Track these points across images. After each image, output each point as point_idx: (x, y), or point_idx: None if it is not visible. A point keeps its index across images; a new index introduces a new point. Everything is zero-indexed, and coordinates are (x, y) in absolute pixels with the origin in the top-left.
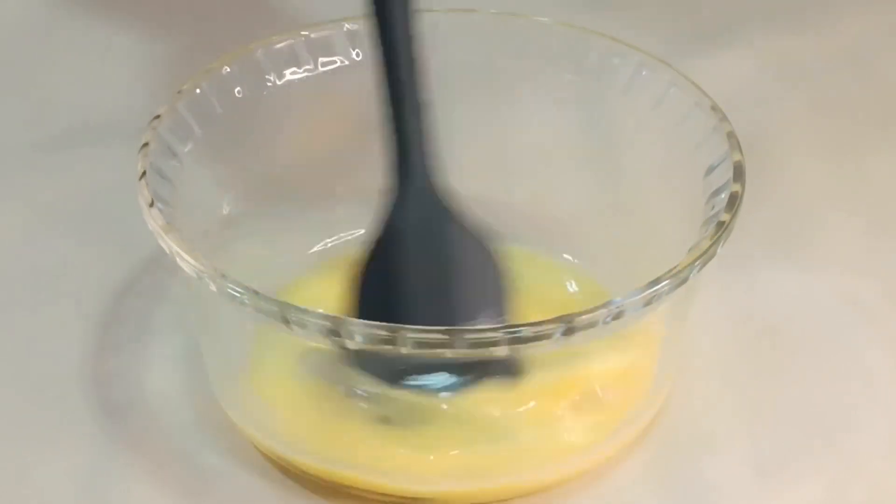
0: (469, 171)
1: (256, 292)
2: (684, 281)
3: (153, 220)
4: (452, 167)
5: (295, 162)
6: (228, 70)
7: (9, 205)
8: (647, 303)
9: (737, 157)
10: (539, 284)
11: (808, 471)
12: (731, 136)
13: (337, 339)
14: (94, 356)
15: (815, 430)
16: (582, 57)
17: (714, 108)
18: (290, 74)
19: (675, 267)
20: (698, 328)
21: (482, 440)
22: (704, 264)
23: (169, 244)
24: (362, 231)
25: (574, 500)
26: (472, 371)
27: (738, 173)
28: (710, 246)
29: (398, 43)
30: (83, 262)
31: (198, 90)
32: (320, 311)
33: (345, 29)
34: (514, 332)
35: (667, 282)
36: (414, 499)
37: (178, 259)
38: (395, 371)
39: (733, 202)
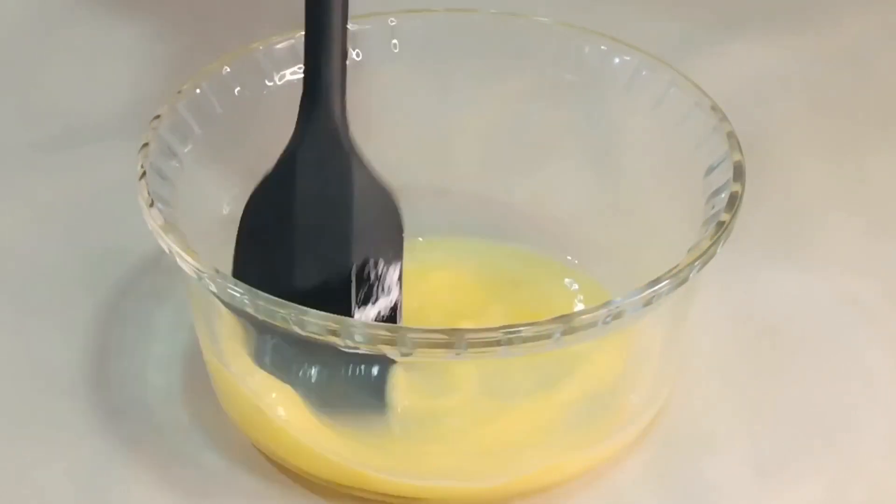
0: (469, 171)
1: (256, 292)
2: (684, 281)
3: (153, 220)
4: (452, 168)
5: None
6: (228, 70)
7: (8, 205)
8: (647, 303)
9: (737, 157)
10: (539, 284)
11: (808, 471)
12: (731, 136)
13: (337, 338)
14: (94, 356)
15: (815, 430)
16: (582, 57)
17: (714, 108)
18: (290, 74)
19: (675, 267)
20: (698, 328)
21: (482, 440)
22: (704, 264)
23: (169, 244)
24: None
25: (574, 500)
26: None
27: (738, 173)
28: (710, 246)
29: None
30: (83, 263)
31: (198, 90)
32: (320, 311)
33: None
34: (514, 332)
35: (667, 282)
36: (414, 499)
37: (178, 259)
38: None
39: (733, 202)
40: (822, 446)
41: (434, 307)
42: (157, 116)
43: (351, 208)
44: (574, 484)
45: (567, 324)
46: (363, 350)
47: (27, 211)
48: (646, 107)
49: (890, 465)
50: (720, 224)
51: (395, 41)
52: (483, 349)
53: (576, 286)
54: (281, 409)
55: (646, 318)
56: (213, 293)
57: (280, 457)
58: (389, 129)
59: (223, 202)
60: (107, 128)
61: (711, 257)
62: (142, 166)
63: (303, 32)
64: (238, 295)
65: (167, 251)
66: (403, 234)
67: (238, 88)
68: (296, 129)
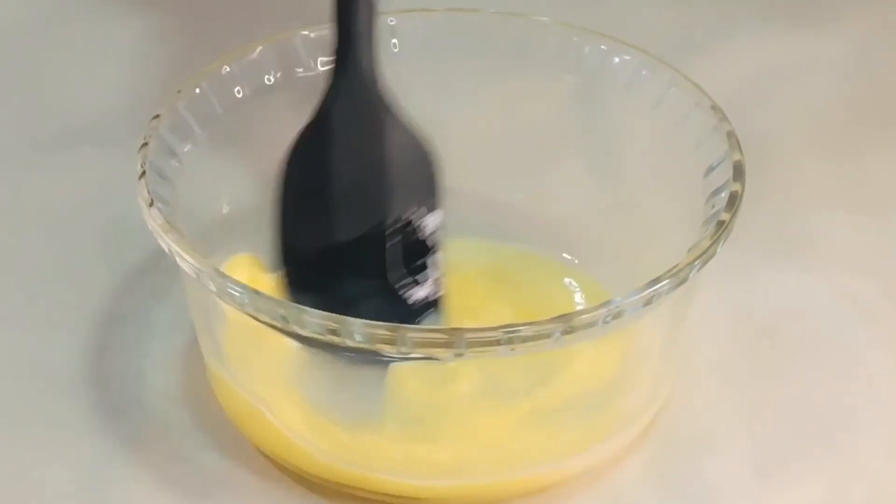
0: (469, 171)
1: (256, 292)
2: (684, 281)
3: (153, 220)
4: (452, 167)
5: None
6: (228, 70)
7: (9, 205)
8: (647, 303)
9: (737, 157)
10: (539, 284)
11: (808, 471)
12: (731, 136)
13: (337, 338)
14: (94, 356)
15: (815, 430)
16: (582, 57)
17: (714, 108)
18: (290, 74)
19: (675, 267)
20: (698, 328)
21: (482, 440)
22: (704, 264)
23: (169, 244)
24: None
25: (574, 500)
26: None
27: (738, 173)
28: (710, 246)
29: None
30: (83, 262)
31: (198, 90)
32: (320, 311)
33: None
34: (515, 332)
35: (667, 282)
36: (414, 499)
37: (178, 259)
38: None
39: (733, 202)
40: (822, 446)
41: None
42: (157, 116)
43: (387, 159)
44: (574, 484)
45: (567, 323)
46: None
47: (27, 210)
48: (646, 107)
49: (890, 465)
50: (720, 224)
51: (394, 41)
52: (483, 349)
53: (576, 286)
54: (281, 408)
55: (646, 317)
56: (213, 293)
57: (280, 457)
58: None
59: (223, 202)
60: (107, 127)
61: (711, 257)
62: (142, 166)
63: (304, 32)
64: (238, 294)
65: (167, 251)
66: (440, 180)
67: (238, 88)
68: (328, 83)
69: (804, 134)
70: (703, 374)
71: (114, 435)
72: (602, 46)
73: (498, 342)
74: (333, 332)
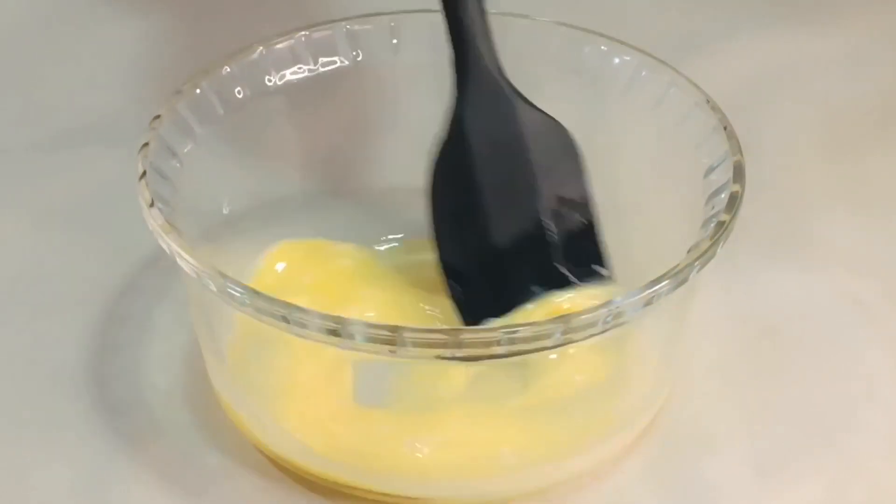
0: None
1: (256, 292)
2: (684, 281)
3: (153, 220)
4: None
5: (295, 162)
6: (228, 70)
7: (9, 205)
8: (647, 303)
9: (737, 157)
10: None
11: (808, 471)
12: (731, 136)
13: (337, 338)
14: (95, 356)
15: (815, 430)
16: (582, 57)
17: (714, 108)
18: (290, 74)
19: (675, 267)
20: (698, 328)
21: (482, 441)
22: (704, 264)
23: (169, 244)
24: (362, 230)
25: (574, 500)
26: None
27: (738, 173)
28: (710, 246)
29: None
30: (83, 263)
31: (198, 90)
32: (320, 311)
33: (345, 29)
34: (514, 332)
35: (667, 282)
36: (414, 499)
37: (178, 259)
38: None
39: (733, 202)
40: (822, 446)
41: (434, 306)
42: (157, 116)
43: (529, 154)
44: (574, 484)
45: (567, 324)
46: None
47: (27, 211)
48: (646, 107)
49: (890, 465)
50: (720, 224)
51: (395, 41)
52: (482, 349)
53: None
54: (282, 408)
55: (646, 318)
56: (213, 293)
57: (280, 457)
58: (389, 129)
59: (223, 202)
60: (107, 127)
61: (711, 257)
62: (142, 166)
63: (304, 32)
64: (238, 294)
65: (167, 251)
66: (583, 161)
67: (238, 88)
68: (456, 86)
69: (804, 134)
70: (703, 374)
71: (114, 435)
72: (602, 46)
73: (497, 342)
74: (333, 332)
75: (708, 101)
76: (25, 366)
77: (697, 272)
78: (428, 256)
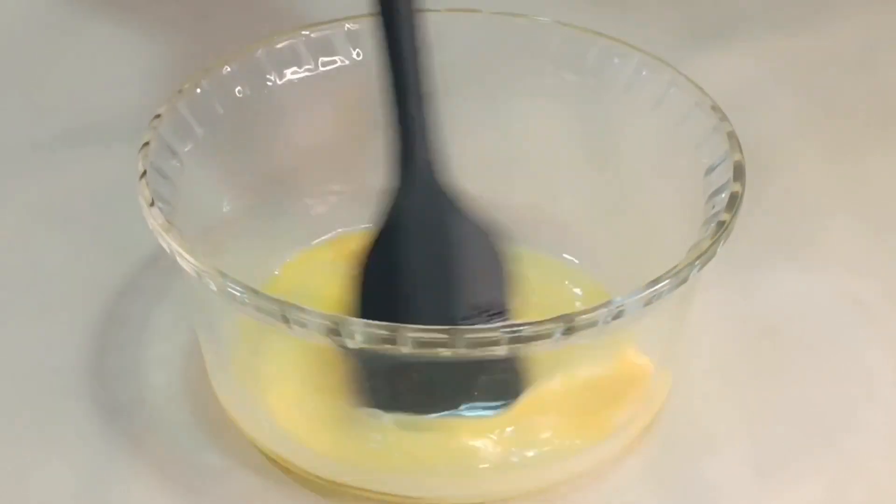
0: (469, 172)
1: (256, 292)
2: (684, 281)
3: (153, 220)
4: (453, 168)
5: (295, 162)
6: (228, 70)
7: (9, 205)
8: (647, 303)
9: (737, 156)
10: (539, 284)
11: (808, 471)
12: (731, 136)
13: (337, 338)
14: (94, 356)
15: (815, 430)
16: (582, 57)
17: (714, 108)
18: (290, 74)
19: (675, 267)
20: (698, 328)
21: (482, 440)
22: (704, 264)
23: (169, 243)
24: (363, 229)
25: (574, 500)
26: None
27: (738, 173)
28: (710, 246)
29: (403, 35)
30: (83, 262)
31: (198, 90)
32: (320, 311)
33: (345, 29)
34: (514, 332)
35: (667, 282)
36: (414, 499)
37: (178, 258)
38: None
39: (733, 202)
40: (822, 446)
41: None
42: (157, 116)
43: (458, 260)
44: (574, 484)
45: (567, 323)
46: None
47: (27, 210)
48: (646, 107)
49: (890, 465)
50: (720, 224)
51: None
52: (483, 349)
53: (576, 287)
54: (282, 408)
55: (646, 317)
56: (213, 292)
57: (280, 457)
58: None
59: (223, 202)
60: (107, 128)
61: (711, 257)
62: (142, 166)
63: (304, 32)
64: (238, 294)
65: (167, 251)
66: (509, 276)
67: (238, 88)
68: (393, 184)
69: (804, 134)
70: (703, 374)
71: (114, 434)
72: (602, 46)
73: (498, 342)
74: (334, 332)
75: (708, 101)
76: (25, 366)
77: (697, 272)
78: None
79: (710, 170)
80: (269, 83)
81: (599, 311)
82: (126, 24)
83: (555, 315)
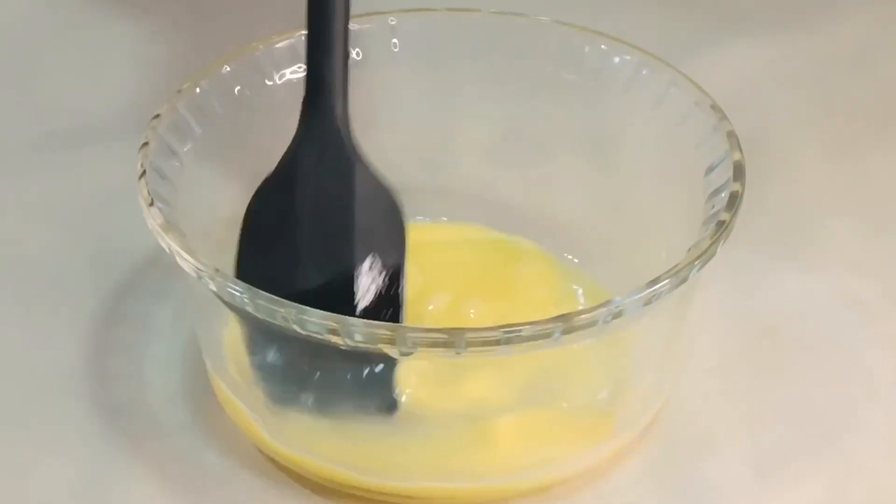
0: (469, 172)
1: (256, 292)
2: (684, 280)
3: (153, 220)
4: (453, 167)
5: None
6: (228, 70)
7: (9, 204)
8: (647, 302)
9: (737, 156)
10: (539, 284)
11: (808, 471)
12: (731, 135)
13: (337, 338)
14: (94, 356)
15: (815, 430)
16: (582, 57)
17: (714, 107)
18: (290, 74)
19: (675, 266)
20: (698, 328)
21: (482, 440)
22: (704, 264)
23: (169, 243)
24: None
25: (574, 500)
26: None
27: (738, 173)
28: (710, 245)
29: None
30: (83, 262)
31: (198, 90)
32: (320, 311)
33: None
34: (514, 332)
35: (667, 281)
36: (413, 499)
37: (177, 258)
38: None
39: (733, 202)
40: (822, 446)
41: (433, 304)
42: (157, 116)
43: (353, 209)
44: (574, 484)
45: (567, 323)
46: (363, 349)
47: (27, 210)
48: (646, 107)
49: (890, 465)
50: (720, 224)
51: (395, 41)
52: (483, 349)
53: (576, 286)
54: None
55: (646, 317)
56: (214, 292)
57: (280, 457)
58: (390, 129)
59: (223, 202)
60: (107, 128)
61: (711, 257)
62: (142, 165)
63: (304, 32)
64: (238, 294)
65: (167, 251)
66: (405, 234)
67: (238, 88)
68: (298, 129)
69: (804, 134)
70: (703, 374)
71: (114, 435)
72: (602, 46)
73: (498, 342)
74: (334, 332)
75: (708, 101)
76: (25, 366)
77: (697, 271)
78: (427, 255)
79: (710, 169)
80: (268, 83)
81: (599, 310)
82: (126, 23)
83: (554, 315)
